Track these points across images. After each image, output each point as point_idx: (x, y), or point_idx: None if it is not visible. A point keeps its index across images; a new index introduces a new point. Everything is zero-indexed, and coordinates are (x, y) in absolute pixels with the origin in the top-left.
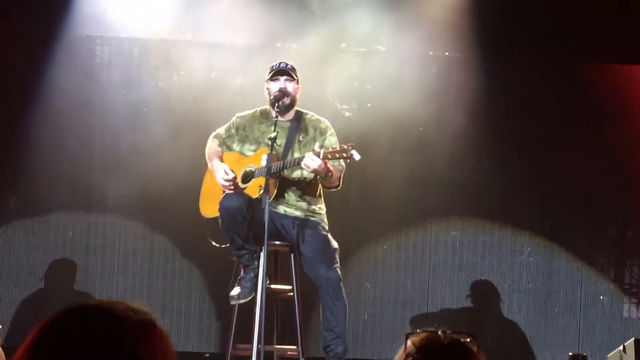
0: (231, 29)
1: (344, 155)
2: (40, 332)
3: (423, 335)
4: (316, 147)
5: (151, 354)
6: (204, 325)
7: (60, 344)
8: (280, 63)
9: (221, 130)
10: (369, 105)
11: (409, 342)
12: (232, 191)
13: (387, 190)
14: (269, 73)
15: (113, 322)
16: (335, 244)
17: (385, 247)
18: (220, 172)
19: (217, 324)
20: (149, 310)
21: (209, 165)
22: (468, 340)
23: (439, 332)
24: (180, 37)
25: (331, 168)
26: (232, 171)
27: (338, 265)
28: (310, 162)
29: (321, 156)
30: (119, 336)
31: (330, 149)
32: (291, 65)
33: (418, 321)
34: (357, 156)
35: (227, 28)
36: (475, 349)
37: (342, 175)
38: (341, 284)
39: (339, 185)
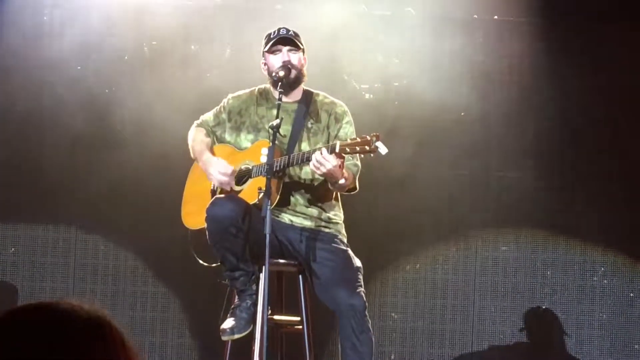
0: None
1: (367, 148)
2: None
3: None
4: (337, 146)
5: (107, 356)
6: None
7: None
8: (280, 29)
9: (207, 116)
10: (396, 84)
11: None
12: (222, 194)
13: (420, 194)
14: (267, 43)
15: (59, 322)
16: (357, 262)
17: (417, 267)
18: (216, 167)
19: None
20: (103, 310)
21: (200, 163)
22: None
23: None
24: None
25: (344, 171)
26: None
27: (363, 289)
28: (321, 163)
29: (337, 149)
30: (66, 337)
31: (349, 141)
32: (293, 31)
33: None
34: (383, 149)
35: None
36: None
37: (357, 176)
38: (367, 312)
39: (355, 188)
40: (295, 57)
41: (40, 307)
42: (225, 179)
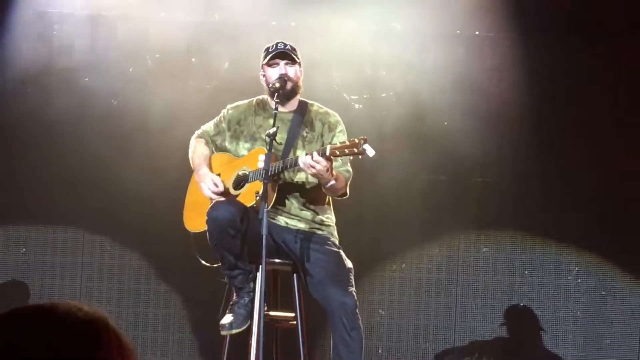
0: (216, 4)
1: (355, 150)
2: None
3: None
4: (327, 149)
5: (104, 356)
6: None
7: None
8: (277, 44)
9: (208, 126)
10: (384, 95)
11: None
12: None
13: (406, 198)
14: (265, 57)
15: (58, 323)
16: (349, 263)
17: (403, 267)
18: (207, 183)
19: None
20: (98, 310)
21: (196, 176)
22: None
23: None
24: (153, 14)
25: (334, 173)
26: (223, 182)
27: (354, 288)
28: (311, 165)
29: (328, 152)
30: (64, 337)
31: (339, 144)
32: (290, 46)
33: (442, 356)
34: (371, 151)
35: (211, 2)
36: None
37: (349, 182)
38: (357, 310)
39: (345, 193)
40: (291, 70)
41: (39, 308)
42: (214, 197)
